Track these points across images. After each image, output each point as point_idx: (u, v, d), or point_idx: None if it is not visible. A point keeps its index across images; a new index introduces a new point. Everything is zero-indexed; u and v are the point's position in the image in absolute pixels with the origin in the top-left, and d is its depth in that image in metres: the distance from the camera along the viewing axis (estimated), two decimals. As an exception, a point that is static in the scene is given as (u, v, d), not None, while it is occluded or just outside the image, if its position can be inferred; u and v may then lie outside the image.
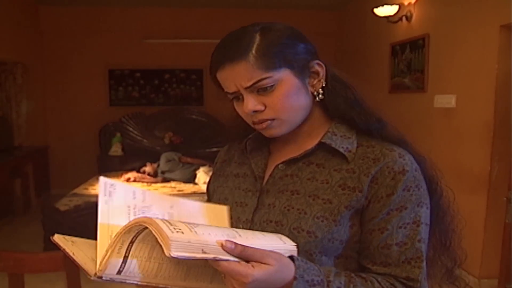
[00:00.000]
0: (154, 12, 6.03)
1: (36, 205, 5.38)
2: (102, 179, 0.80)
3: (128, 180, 4.79)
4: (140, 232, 0.67)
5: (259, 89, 0.85)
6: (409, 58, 4.27)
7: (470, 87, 3.40)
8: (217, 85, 0.92)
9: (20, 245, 4.11)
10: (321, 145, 0.91)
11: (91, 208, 3.92)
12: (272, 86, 0.85)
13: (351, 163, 0.88)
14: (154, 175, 4.93)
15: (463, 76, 3.48)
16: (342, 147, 0.89)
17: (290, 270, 0.74)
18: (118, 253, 0.67)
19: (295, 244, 0.79)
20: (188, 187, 4.60)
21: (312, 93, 0.91)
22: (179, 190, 4.47)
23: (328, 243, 0.84)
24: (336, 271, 0.81)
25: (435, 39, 3.88)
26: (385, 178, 0.84)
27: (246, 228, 0.90)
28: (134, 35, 6.05)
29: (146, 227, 0.65)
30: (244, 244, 0.69)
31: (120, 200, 0.79)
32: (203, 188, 4.49)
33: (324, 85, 0.91)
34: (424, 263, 0.85)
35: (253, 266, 0.69)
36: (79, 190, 4.42)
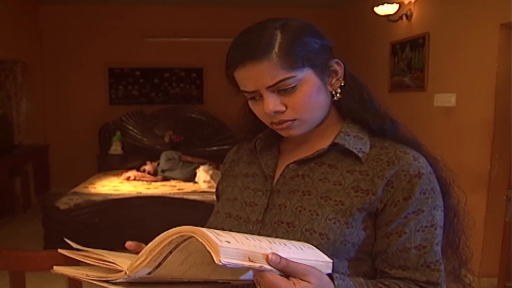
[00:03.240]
0: (154, 11, 6.03)
1: (36, 204, 5.39)
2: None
3: (128, 178, 4.80)
4: (180, 244, 0.66)
5: (281, 89, 0.83)
6: (409, 57, 4.27)
7: (470, 86, 3.40)
8: (232, 83, 0.88)
9: (20, 244, 4.11)
10: (334, 146, 0.89)
11: (91, 206, 3.94)
12: (294, 86, 0.83)
13: (364, 164, 0.87)
14: (154, 173, 4.94)
15: (463, 75, 3.48)
16: (356, 148, 0.88)
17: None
18: (154, 261, 0.67)
19: (331, 260, 0.78)
20: (188, 186, 4.60)
21: (331, 92, 0.90)
22: (179, 189, 4.47)
23: (340, 245, 0.84)
24: (365, 281, 0.81)
25: (435, 38, 3.88)
26: (401, 182, 0.83)
27: (256, 229, 0.89)
28: (134, 33, 6.05)
29: (186, 239, 0.65)
30: (287, 257, 0.69)
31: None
32: (203, 186, 4.49)
33: (342, 84, 0.90)
34: (442, 265, 0.85)
35: (294, 284, 0.68)
36: (79, 188, 4.42)
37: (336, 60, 0.89)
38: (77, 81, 6.11)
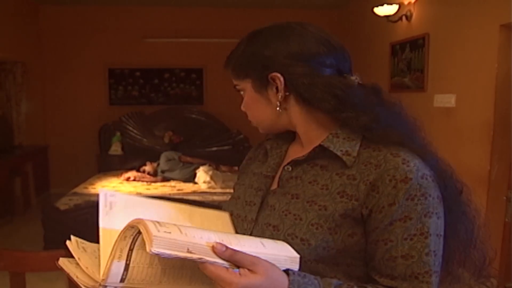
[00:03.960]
0: (154, 11, 6.03)
1: (36, 204, 5.39)
2: (101, 190, 0.82)
3: (128, 179, 4.79)
4: (136, 238, 0.67)
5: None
6: (409, 58, 4.27)
7: (470, 86, 3.41)
8: None
9: (20, 245, 4.11)
10: (322, 148, 0.88)
11: (91, 207, 3.93)
12: (242, 93, 0.96)
13: (353, 168, 0.84)
14: (154, 174, 4.93)
15: (463, 76, 3.48)
16: (341, 150, 0.86)
17: (281, 283, 0.72)
18: (118, 261, 0.67)
19: (298, 256, 0.77)
20: (188, 186, 4.60)
21: (276, 104, 0.91)
22: (178, 190, 4.47)
23: (323, 251, 0.82)
24: (337, 282, 0.79)
25: (435, 38, 3.88)
26: (386, 187, 0.80)
27: (250, 228, 0.91)
28: (134, 34, 6.05)
29: (138, 232, 0.66)
30: (237, 249, 0.69)
31: (121, 211, 0.80)
32: (203, 187, 4.49)
33: (283, 95, 0.89)
34: (433, 277, 0.81)
35: (240, 274, 0.68)
36: (79, 189, 4.42)
37: (274, 74, 0.88)
38: (77, 82, 6.10)
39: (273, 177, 0.95)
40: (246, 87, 0.94)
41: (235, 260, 0.68)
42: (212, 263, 0.67)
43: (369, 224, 0.83)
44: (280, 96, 0.90)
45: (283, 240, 0.82)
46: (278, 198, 0.90)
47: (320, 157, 0.89)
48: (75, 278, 0.73)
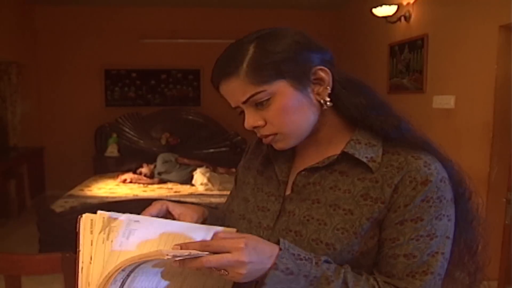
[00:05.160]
0: (151, 12, 6.01)
1: (31, 207, 5.34)
2: (126, 217, 0.71)
3: (124, 181, 4.76)
4: (125, 280, 0.73)
5: (257, 103, 0.82)
6: (408, 59, 4.27)
7: (469, 87, 3.40)
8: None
9: (15, 248, 4.07)
10: (344, 154, 0.86)
11: (87, 209, 3.88)
12: (268, 99, 0.81)
13: (374, 172, 0.84)
14: (151, 176, 4.90)
15: (462, 77, 3.47)
16: (366, 157, 0.84)
17: (273, 243, 0.78)
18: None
19: None
20: (185, 188, 4.57)
21: (319, 101, 0.85)
22: (175, 192, 4.44)
23: (347, 255, 0.81)
24: (327, 259, 0.80)
25: (434, 39, 3.87)
26: (405, 188, 0.80)
27: (266, 235, 0.88)
28: (130, 34, 6.02)
29: (133, 268, 0.71)
30: None
31: (137, 243, 0.73)
32: (200, 189, 4.47)
33: (330, 91, 0.85)
34: (430, 276, 0.80)
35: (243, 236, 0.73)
36: (75, 191, 4.38)
37: (320, 67, 0.84)
38: (73, 83, 6.07)
39: (287, 183, 0.92)
40: (278, 90, 0.81)
41: (221, 245, 0.72)
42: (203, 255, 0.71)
43: (383, 223, 0.83)
44: (328, 90, 0.85)
45: (307, 245, 0.82)
46: (297, 204, 0.88)
47: (339, 163, 0.87)
48: (80, 248, 0.72)
